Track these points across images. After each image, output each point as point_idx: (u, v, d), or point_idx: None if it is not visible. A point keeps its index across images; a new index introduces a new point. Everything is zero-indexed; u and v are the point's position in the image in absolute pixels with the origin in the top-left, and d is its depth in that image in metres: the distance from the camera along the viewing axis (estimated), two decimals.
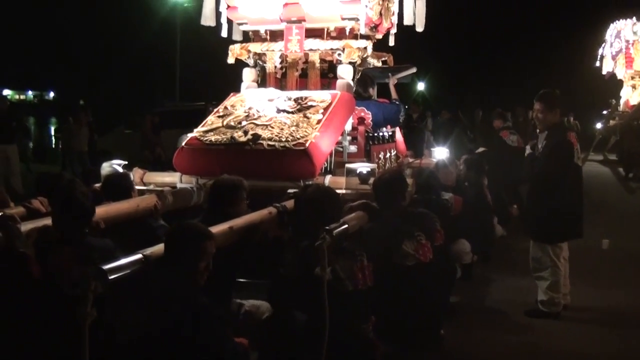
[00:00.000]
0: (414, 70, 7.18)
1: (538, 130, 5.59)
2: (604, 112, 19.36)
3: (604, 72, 19.66)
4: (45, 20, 34.98)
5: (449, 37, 31.47)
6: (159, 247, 2.94)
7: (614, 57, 19.16)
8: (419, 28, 6.79)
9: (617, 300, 5.65)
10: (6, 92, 32.56)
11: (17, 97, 40.96)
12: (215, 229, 3.25)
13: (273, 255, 3.66)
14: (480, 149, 8.12)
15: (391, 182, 4.47)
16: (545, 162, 5.21)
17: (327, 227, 3.39)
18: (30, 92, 44.74)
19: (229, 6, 6.30)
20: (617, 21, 19.34)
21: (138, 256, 2.77)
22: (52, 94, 42.91)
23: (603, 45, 19.77)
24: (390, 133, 6.85)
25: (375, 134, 6.39)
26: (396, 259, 4.14)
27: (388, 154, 6.73)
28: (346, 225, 3.65)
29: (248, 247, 3.63)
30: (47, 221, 3.33)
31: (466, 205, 5.71)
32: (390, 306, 3.96)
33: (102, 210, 3.73)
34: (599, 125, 19.06)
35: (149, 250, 2.86)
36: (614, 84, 19.57)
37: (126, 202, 4.24)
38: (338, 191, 4.77)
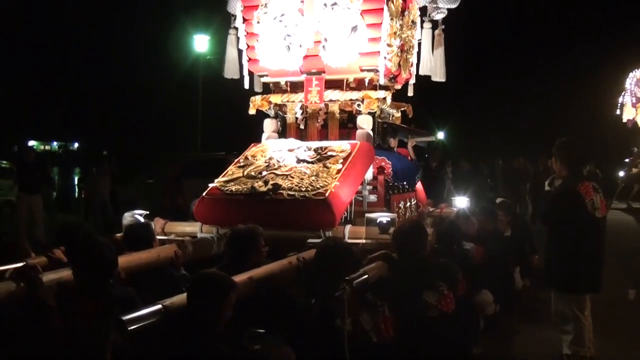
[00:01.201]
0: (432, 139, 7.30)
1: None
2: (627, 160, 19.22)
3: (624, 120, 19.61)
4: (70, 72, 35.90)
5: (468, 86, 31.65)
6: (179, 298, 2.94)
7: (634, 105, 19.14)
8: (438, 78, 6.86)
9: None
10: (32, 143, 33.22)
11: (42, 147, 41.73)
12: (236, 279, 3.24)
13: (292, 306, 3.63)
14: (499, 199, 8.08)
15: (411, 232, 4.44)
16: (547, 209, 5.35)
17: (347, 278, 3.37)
18: (55, 143, 45.60)
19: (250, 59, 6.43)
20: (636, 70, 19.38)
21: (158, 307, 2.77)
22: (76, 145, 43.69)
23: (623, 93, 19.78)
24: (410, 184, 6.85)
25: (395, 184, 6.40)
26: (418, 310, 4.08)
27: (408, 203, 6.72)
28: (366, 276, 3.62)
29: (267, 297, 3.61)
30: (69, 271, 3.35)
31: (487, 256, 5.65)
32: (413, 358, 3.89)
33: (123, 260, 3.75)
34: (621, 174, 18.89)
35: (168, 301, 2.86)
36: (635, 132, 19.48)
37: (147, 252, 4.26)
38: (358, 241, 4.77)
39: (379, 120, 6.45)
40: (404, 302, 4.01)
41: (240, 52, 6.53)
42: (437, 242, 5.10)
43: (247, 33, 6.39)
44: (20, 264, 3.22)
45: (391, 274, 4.24)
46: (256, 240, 4.06)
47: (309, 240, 4.63)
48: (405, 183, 6.65)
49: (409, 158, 6.90)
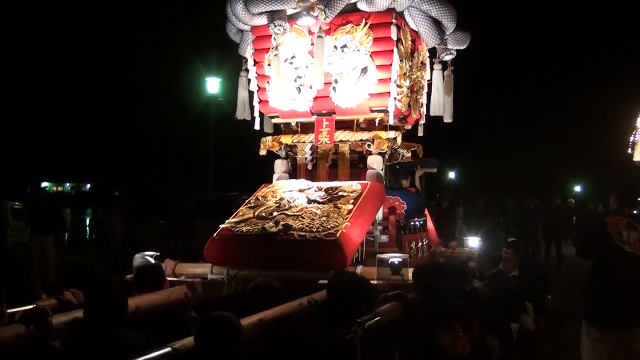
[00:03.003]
0: (437, 165, 7.32)
1: None
2: (639, 199, 19.05)
3: (636, 159, 19.51)
4: (83, 114, 36.40)
5: (478, 127, 31.78)
6: (189, 340, 2.91)
7: None
8: (448, 119, 6.90)
9: None
10: (44, 184, 33.49)
11: (55, 188, 42.04)
12: (245, 321, 3.21)
13: (303, 348, 3.58)
14: (511, 239, 8.00)
15: (435, 273, 4.40)
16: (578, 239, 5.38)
17: (358, 320, 3.32)
18: (67, 184, 45.94)
19: (261, 100, 6.50)
20: None
21: (167, 349, 2.75)
22: (88, 185, 43.99)
23: (634, 132, 19.73)
24: (421, 222, 6.83)
25: (407, 223, 6.36)
26: (433, 351, 4.01)
27: (420, 244, 6.68)
28: (378, 318, 3.57)
29: (277, 339, 3.56)
30: (79, 313, 3.33)
31: (496, 296, 5.57)
32: None
33: (133, 302, 3.72)
34: (634, 212, 18.69)
35: (178, 344, 2.83)
36: None
37: (157, 293, 4.23)
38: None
39: (388, 163, 6.46)
40: (418, 344, 3.94)
41: (251, 93, 6.60)
42: (450, 281, 5.04)
43: (258, 75, 6.48)
44: (31, 307, 3.20)
45: (405, 315, 4.18)
46: (278, 297, 3.95)
47: (320, 282, 4.59)
48: (417, 222, 6.62)
49: (416, 190, 6.88)
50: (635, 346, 4.86)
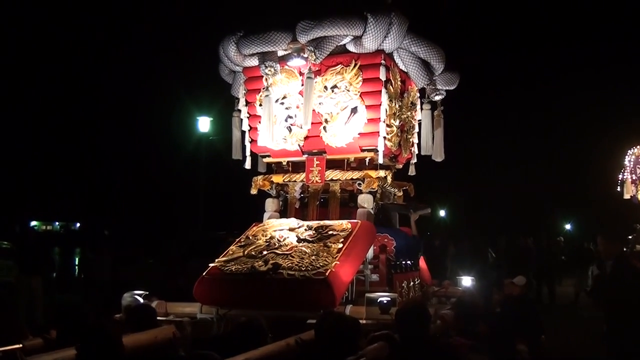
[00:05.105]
0: (428, 210, 7.41)
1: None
2: (629, 237, 19.11)
3: (625, 197, 19.63)
4: (73, 154, 36.43)
5: (470, 165, 31.99)
6: None
7: (634, 182, 19.21)
8: (438, 158, 6.95)
9: None
10: (33, 223, 33.28)
11: (44, 227, 41.76)
12: None
13: None
14: (512, 280, 7.95)
15: (413, 314, 4.37)
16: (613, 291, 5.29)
17: None
18: (56, 223, 45.67)
19: (252, 140, 6.55)
20: (634, 147, 19.57)
21: None
22: (77, 225, 43.75)
23: (622, 170, 19.90)
24: (413, 261, 6.81)
25: (398, 262, 6.35)
26: None
27: (411, 283, 6.65)
28: (364, 359, 3.54)
29: None
30: (64, 353, 3.29)
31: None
32: None
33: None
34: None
35: None
36: (634, 208, 19.47)
37: (145, 333, 4.19)
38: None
39: (380, 202, 6.48)
40: None
41: (243, 133, 6.65)
42: (457, 323, 5.03)
43: (250, 115, 6.54)
44: (14, 347, 3.16)
45: (393, 355, 4.14)
46: (264, 336, 3.93)
47: (309, 321, 4.56)
48: (408, 261, 6.61)
49: (411, 234, 6.88)
50: None
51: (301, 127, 6.21)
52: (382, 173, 6.16)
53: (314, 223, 5.94)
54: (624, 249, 5.62)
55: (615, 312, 5.23)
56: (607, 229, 5.55)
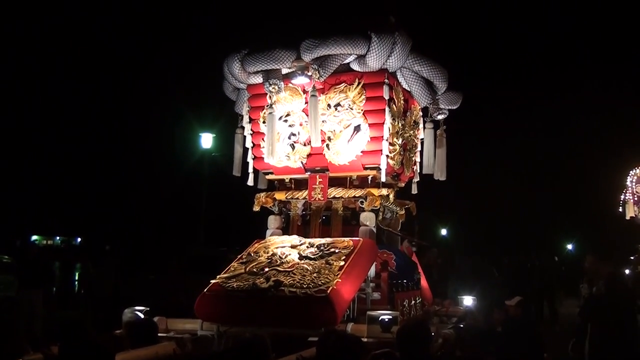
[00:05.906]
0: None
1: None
2: (632, 257, 19.06)
3: (627, 217, 19.60)
4: (74, 168, 36.46)
5: (471, 184, 31.99)
6: None
7: (636, 203, 19.18)
8: (440, 177, 6.97)
9: None
10: (34, 237, 33.26)
11: (45, 242, 41.70)
12: None
13: None
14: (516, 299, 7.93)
15: (413, 333, 4.35)
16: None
17: None
18: (57, 238, 45.62)
19: (255, 157, 6.57)
20: (636, 168, 19.57)
21: None
22: (78, 239, 43.70)
23: (625, 190, 19.88)
24: (415, 280, 6.80)
25: (399, 281, 6.34)
26: None
27: (413, 302, 6.63)
28: None
29: None
30: None
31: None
32: None
33: (120, 358, 3.67)
34: (627, 272, 18.68)
35: None
36: (636, 229, 19.43)
37: (145, 349, 4.18)
38: None
39: (382, 225, 6.48)
40: None
41: (246, 150, 6.68)
42: (460, 343, 5.01)
43: (254, 132, 6.57)
44: None
45: None
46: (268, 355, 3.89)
47: (310, 339, 4.54)
48: (406, 280, 6.60)
49: (411, 259, 6.90)
50: None
51: (305, 145, 6.24)
52: (384, 191, 6.17)
53: (316, 240, 5.94)
54: (617, 270, 5.60)
55: (604, 333, 5.21)
56: (599, 248, 5.54)
